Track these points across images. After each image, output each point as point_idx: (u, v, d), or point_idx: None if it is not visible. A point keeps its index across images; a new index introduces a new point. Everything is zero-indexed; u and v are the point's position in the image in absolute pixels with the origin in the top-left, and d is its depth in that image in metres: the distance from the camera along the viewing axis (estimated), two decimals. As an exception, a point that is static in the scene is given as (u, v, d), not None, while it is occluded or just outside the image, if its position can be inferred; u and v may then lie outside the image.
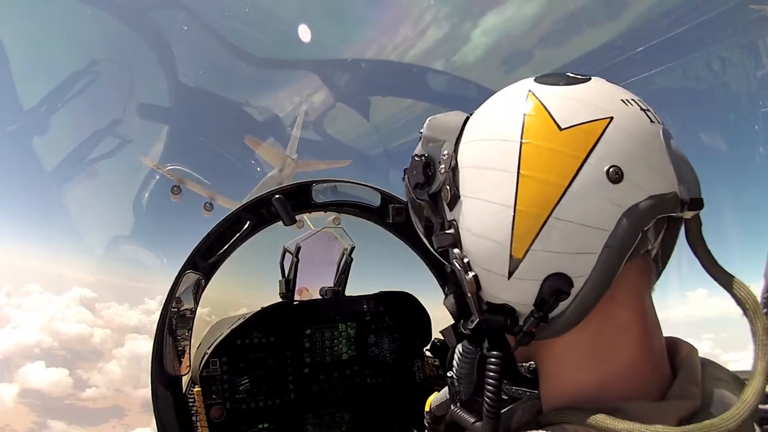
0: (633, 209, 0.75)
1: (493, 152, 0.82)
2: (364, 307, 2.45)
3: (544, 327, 0.81)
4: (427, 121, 0.94)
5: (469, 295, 0.87)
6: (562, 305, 0.79)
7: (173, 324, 1.97)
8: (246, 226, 2.10)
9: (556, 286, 0.77)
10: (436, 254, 0.99)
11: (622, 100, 0.81)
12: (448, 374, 1.08)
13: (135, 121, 22.37)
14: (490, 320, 0.86)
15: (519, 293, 0.82)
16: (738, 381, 0.84)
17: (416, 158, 0.94)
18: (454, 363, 1.06)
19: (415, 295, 2.53)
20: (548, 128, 0.78)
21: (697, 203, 0.81)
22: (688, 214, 0.82)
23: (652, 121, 0.82)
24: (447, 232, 0.88)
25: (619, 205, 0.75)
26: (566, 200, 0.75)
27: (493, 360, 0.85)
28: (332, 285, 2.58)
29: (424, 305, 2.51)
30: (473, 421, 0.95)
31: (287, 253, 2.44)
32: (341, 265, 2.58)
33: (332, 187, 2.31)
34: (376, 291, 2.52)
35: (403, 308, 2.48)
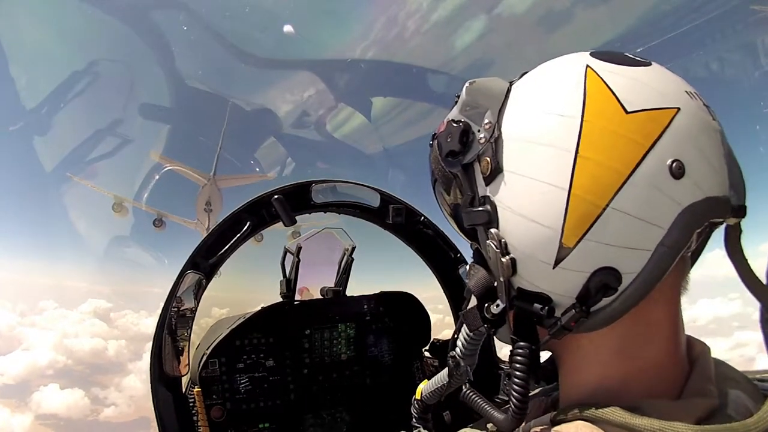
0: (690, 209, 0.71)
1: (549, 127, 0.74)
2: (364, 307, 2.45)
3: (581, 322, 0.76)
4: (467, 83, 0.83)
5: (501, 279, 0.80)
6: (604, 301, 0.74)
7: (173, 324, 1.97)
8: (246, 226, 2.10)
9: (604, 281, 0.72)
10: (457, 230, 0.92)
11: (686, 92, 0.76)
12: (450, 354, 1.04)
13: (135, 121, 22.40)
14: (522, 308, 0.80)
15: (561, 284, 0.76)
16: (749, 382, 0.83)
17: (453, 124, 0.84)
18: (459, 343, 1.03)
19: (415, 296, 2.53)
20: (613, 109, 0.72)
21: (742, 210, 0.77)
22: (732, 221, 0.78)
23: (713, 120, 0.77)
24: (480, 209, 0.80)
25: (678, 203, 0.71)
26: (626, 190, 0.70)
27: (520, 351, 0.80)
28: (333, 285, 2.57)
29: (424, 306, 2.51)
30: (492, 410, 0.90)
31: (288, 254, 2.44)
32: (342, 265, 2.57)
33: (332, 188, 2.31)
34: (376, 291, 2.52)
35: (403, 308, 2.48)
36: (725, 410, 0.75)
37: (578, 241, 0.72)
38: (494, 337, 0.91)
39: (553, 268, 0.74)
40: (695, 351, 0.84)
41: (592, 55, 0.80)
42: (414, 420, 1.30)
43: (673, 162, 0.70)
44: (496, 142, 0.79)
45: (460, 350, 1.04)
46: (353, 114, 21.28)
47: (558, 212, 0.72)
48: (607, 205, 0.70)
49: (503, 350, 2.35)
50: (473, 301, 0.90)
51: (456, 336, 1.05)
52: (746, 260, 0.79)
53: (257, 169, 21.06)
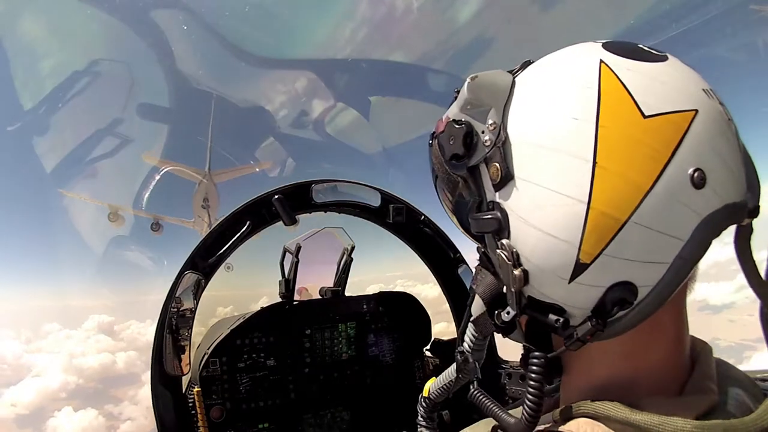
0: (709, 218, 0.67)
1: (562, 131, 0.69)
2: (364, 307, 2.45)
3: (597, 335, 0.73)
4: (468, 79, 0.76)
5: (512, 289, 0.76)
6: (619, 313, 0.72)
7: (173, 324, 1.97)
8: (246, 226, 2.10)
9: (621, 296, 0.69)
10: (464, 232, 0.89)
11: (703, 90, 0.71)
12: (458, 349, 1.03)
13: (135, 121, 22.40)
14: (535, 318, 0.77)
15: (575, 298, 0.72)
16: (749, 380, 0.83)
17: (455, 124, 0.78)
18: (467, 338, 1.00)
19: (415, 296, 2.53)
20: (630, 113, 0.67)
21: (756, 211, 0.74)
22: (745, 221, 0.74)
23: (729, 120, 0.72)
24: (489, 216, 0.76)
25: (698, 214, 0.67)
26: (647, 203, 0.65)
27: (535, 361, 0.78)
28: (332, 285, 2.57)
29: (424, 306, 2.52)
30: (501, 412, 0.88)
31: (287, 253, 2.44)
32: (341, 265, 2.57)
33: (332, 187, 2.31)
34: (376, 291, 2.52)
35: (403, 308, 2.48)
36: (725, 407, 0.75)
37: (596, 257, 0.68)
38: (494, 336, 0.90)
39: (569, 283, 0.71)
40: (696, 349, 0.84)
41: (605, 47, 0.74)
42: (419, 419, 1.26)
43: (694, 171, 0.66)
44: (503, 145, 0.73)
45: (468, 345, 1.01)
46: (353, 113, 21.29)
47: (576, 226, 0.68)
48: (628, 220, 0.66)
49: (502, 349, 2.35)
50: (480, 304, 0.88)
51: (463, 331, 1.02)
52: (753, 260, 0.77)
53: (257, 170, 21.04)
